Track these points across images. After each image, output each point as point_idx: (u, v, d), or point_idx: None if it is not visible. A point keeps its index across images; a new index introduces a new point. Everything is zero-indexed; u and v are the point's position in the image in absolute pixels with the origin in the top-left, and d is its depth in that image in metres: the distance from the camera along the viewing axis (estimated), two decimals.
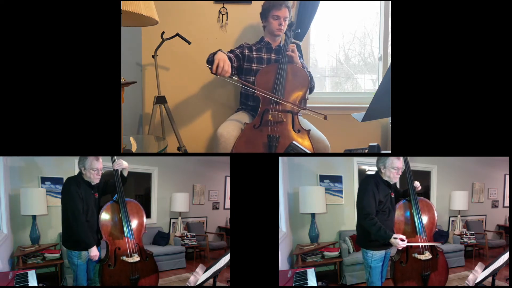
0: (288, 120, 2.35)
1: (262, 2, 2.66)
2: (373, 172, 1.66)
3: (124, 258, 1.62)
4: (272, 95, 2.35)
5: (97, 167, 1.60)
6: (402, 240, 1.53)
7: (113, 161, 1.67)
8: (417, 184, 1.68)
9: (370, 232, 1.55)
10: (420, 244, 1.61)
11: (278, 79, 2.39)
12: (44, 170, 1.86)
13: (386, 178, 1.61)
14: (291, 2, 2.61)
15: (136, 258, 1.63)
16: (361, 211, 1.58)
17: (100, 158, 1.62)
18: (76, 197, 1.57)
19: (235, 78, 2.31)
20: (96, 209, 1.63)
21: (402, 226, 1.64)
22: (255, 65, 2.57)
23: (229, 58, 2.37)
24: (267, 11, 2.57)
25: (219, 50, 2.36)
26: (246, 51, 2.59)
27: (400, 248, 1.55)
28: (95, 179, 1.61)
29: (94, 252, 1.57)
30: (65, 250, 1.80)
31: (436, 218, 1.68)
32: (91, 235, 1.59)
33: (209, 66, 2.26)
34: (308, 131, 2.37)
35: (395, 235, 1.54)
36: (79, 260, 1.58)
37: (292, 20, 2.67)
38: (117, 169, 1.67)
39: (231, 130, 2.36)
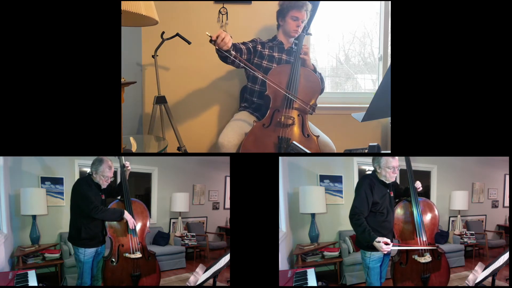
0: (298, 124, 2.34)
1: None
2: (370, 172, 1.64)
3: (127, 254, 1.65)
4: (287, 90, 2.30)
5: (108, 175, 1.66)
6: (386, 244, 1.50)
7: (121, 162, 1.73)
8: (418, 184, 1.68)
9: (355, 232, 1.55)
10: (409, 248, 1.59)
11: (292, 81, 2.36)
12: (44, 170, 1.86)
13: (382, 178, 1.59)
14: (310, 5, 2.57)
15: (138, 255, 1.66)
16: (350, 211, 1.57)
17: (113, 167, 1.68)
18: (89, 196, 1.62)
19: (233, 53, 2.21)
20: (105, 207, 1.66)
21: (402, 227, 1.63)
22: (265, 62, 2.54)
23: (237, 47, 2.34)
24: (286, 10, 2.52)
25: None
26: (259, 46, 2.55)
27: (385, 252, 1.52)
28: (103, 184, 1.67)
29: (129, 217, 1.66)
30: (66, 250, 1.82)
31: (438, 219, 1.67)
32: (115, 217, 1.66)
33: (209, 35, 2.11)
34: (317, 137, 2.36)
35: (378, 238, 1.50)
36: (85, 257, 1.61)
37: (306, 23, 2.64)
38: (124, 170, 1.72)
39: (231, 139, 2.35)
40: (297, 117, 2.34)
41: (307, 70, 2.45)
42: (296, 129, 2.33)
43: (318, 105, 3.09)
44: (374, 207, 1.56)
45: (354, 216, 1.54)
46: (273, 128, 2.32)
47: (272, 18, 2.69)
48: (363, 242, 1.55)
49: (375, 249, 1.55)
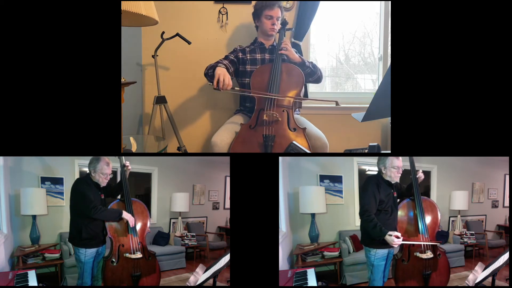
0: (284, 119, 2.36)
1: (255, 2, 2.66)
2: (375, 173, 1.67)
3: (127, 255, 1.64)
4: (269, 94, 2.35)
5: (106, 172, 1.66)
6: (397, 237, 1.54)
7: (121, 161, 1.72)
8: (420, 174, 1.69)
9: (366, 229, 1.57)
10: (417, 242, 1.62)
11: (272, 78, 2.39)
12: (44, 170, 1.86)
13: (387, 178, 1.63)
14: (283, 2, 2.61)
15: (139, 255, 1.66)
16: (360, 207, 1.61)
17: (111, 163, 1.67)
18: (88, 196, 1.62)
19: (237, 88, 2.32)
20: (104, 207, 1.66)
21: (405, 225, 1.66)
22: (249, 67, 2.57)
23: (227, 69, 2.40)
24: (259, 11, 2.57)
25: (217, 64, 2.39)
26: (240, 54, 2.60)
27: (396, 246, 1.56)
28: (103, 182, 1.67)
29: (128, 215, 1.66)
30: (66, 250, 1.81)
31: (439, 218, 1.69)
32: (113, 217, 1.66)
33: (210, 83, 2.28)
34: (304, 129, 2.38)
35: (390, 232, 1.54)
36: (86, 257, 1.61)
37: (285, 19, 2.66)
38: (125, 170, 1.72)
39: (224, 138, 2.37)
40: (282, 113, 2.36)
41: (288, 65, 2.48)
42: (282, 125, 2.35)
43: (318, 105, 3.11)
44: (380, 205, 1.59)
45: (364, 213, 1.58)
46: (258, 128, 2.34)
47: None
48: (375, 237, 1.58)
49: (380, 246, 1.58)
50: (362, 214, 1.59)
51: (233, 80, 2.65)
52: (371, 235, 1.58)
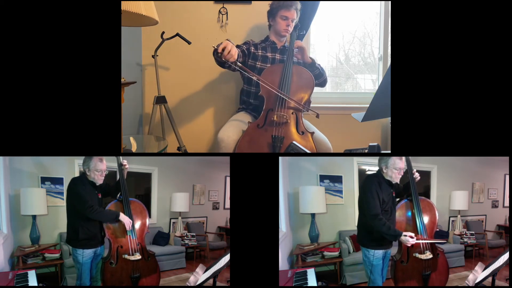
0: (292, 121, 2.35)
1: (264, 2, 2.65)
2: (375, 172, 1.66)
3: (126, 256, 1.63)
4: (278, 90, 2.32)
5: (101, 168, 1.64)
6: (411, 237, 1.56)
7: (118, 161, 1.70)
8: (416, 174, 1.69)
9: (380, 232, 1.56)
10: (427, 241, 1.63)
11: (284, 79, 2.38)
12: (44, 170, 1.86)
13: (388, 178, 1.62)
14: (300, 4, 2.59)
15: (137, 256, 1.64)
16: (368, 211, 1.57)
17: (104, 159, 1.65)
18: (84, 196, 1.60)
19: (239, 64, 2.22)
20: (100, 208, 1.65)
21: (404, 225, 1.65)
22: (259, 63, 2.56)
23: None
24: (275, 10, 2.55)
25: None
26: (252, 48, 2.58)
27: (409, 245, 1.58)
28: (99, 180, 1.64)
29: (125, 218, 1.65)
30: (66, 250, 1.81)
31: (437, 218, 1.69)
32: (110, 218, 1.64)
33: (215, 47, 2.11)
34: (312, 133, 2.37)
35: (404, 233, 1.56)
36: (84, 258, 1.60)
37: (298, 22, 2.65)
38: (122, 169, 1.70)
39: (231, 134, 2.36)
40: (291, 115, 2.35)
41: (299, 68, 2.47)
42: (290, 127, 2.34)
43: (318, 105, 3.11)
44: (382, 205, 1.58)
45: (376, 216, 1.56)
46: (268, 128, 2.32)
47: None
48: (389, 239, 1.59)
49: (378, 246, 1.59)
50: (373, 218, 1.55)
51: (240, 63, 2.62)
52: (385, 237, 1.58)
